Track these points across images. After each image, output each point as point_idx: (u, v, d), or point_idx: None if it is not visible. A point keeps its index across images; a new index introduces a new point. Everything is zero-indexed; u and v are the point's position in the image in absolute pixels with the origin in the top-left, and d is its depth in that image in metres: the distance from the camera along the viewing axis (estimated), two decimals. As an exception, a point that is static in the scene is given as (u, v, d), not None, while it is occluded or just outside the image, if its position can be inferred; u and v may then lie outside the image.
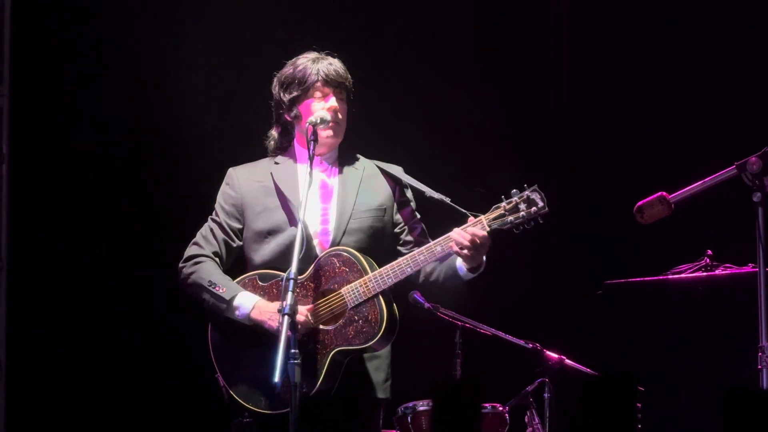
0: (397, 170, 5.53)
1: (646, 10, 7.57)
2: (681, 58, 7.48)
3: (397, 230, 5.46)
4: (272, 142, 5.56)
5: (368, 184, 5.45)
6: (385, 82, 7.43)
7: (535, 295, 7.59)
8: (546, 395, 6.16)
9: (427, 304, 5.78)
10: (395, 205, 5.46)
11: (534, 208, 5.07)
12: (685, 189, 5.01)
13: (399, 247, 5.44)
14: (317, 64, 5.44)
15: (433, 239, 5.31)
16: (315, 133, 5.28)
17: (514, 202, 5.11)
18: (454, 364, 6.16)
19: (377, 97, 7.01)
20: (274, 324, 5.15)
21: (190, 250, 5.45)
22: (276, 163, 5.49)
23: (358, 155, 5.56)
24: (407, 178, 5.49)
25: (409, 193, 5.51)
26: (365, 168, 5.50)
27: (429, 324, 6.09)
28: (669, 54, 7.50)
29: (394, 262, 5.21)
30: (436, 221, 5.40)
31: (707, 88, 7.40)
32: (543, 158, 7.74)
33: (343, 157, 5.51)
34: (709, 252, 6.04)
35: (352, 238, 5.32)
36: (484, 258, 5.21)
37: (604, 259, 7.36)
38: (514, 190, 5.11)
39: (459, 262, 5.24)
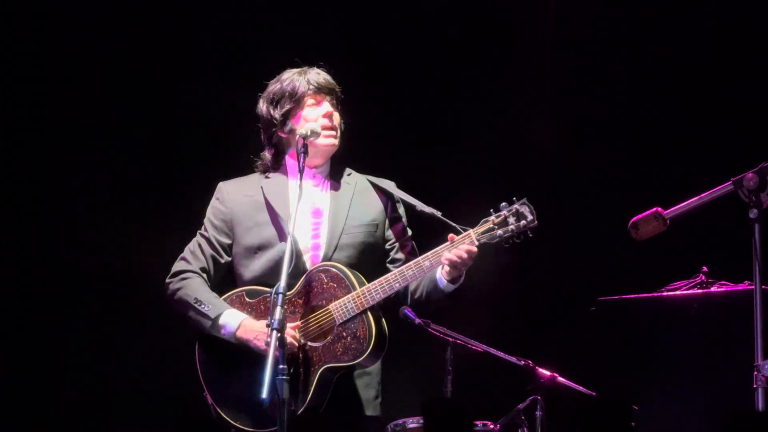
0: (389, 185, 5.51)
1: (640, 22, 7.55)
2: (678, 72, 7.46)
3: (387, 246, 5.44)
4: (263, 164, 5.52)
5: (360, 199, 5.42)
6: (373, 96, 7.40)
7: (528, 311, 7.54)
8: (538, 413, 6.07)
9: (417, 320, 5.72)
10: (387, 220, 5.44)
11: (523, 222, 5.09)
12: (680, 205, 5.00)
13: (388, 264, 5.42)
14: (305, 75, 5.43)
15: (419, 256, 5.28)
16: (305, 146, 5.26)
17: (503, 216, 5.12)
18: (445, 381, 6.09)
19: (367, 112, 6.98)
20: (260, 343, 5.11)
21: (178, 265, 5.43)
22: (267, 177, 5.45)
23: (350, 169, 5.53)
24: (399, 193, 5.46)
25: (401, 209, 5.49)
26: (357, 182, 5.48)
27: (419, 340, 6.02)
28: (666, 68, 7.49)
29: (382, 278, 5.19)
30: (425, 235, 5.40)
31: (704, 103, 7.37)
32: (536, 172, 7.69)
33: (335, 171, 5.48)
34: (705, 269, 6.01)
35: (344, 253, 5.30)
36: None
37: (598, 276, 7.32)
38: (503, 204, 5.13)
39: (438, 274, 5.23)
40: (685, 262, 6.31)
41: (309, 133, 5.30)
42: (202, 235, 5.44)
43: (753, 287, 4.75)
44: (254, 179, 5.49)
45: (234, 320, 5.21)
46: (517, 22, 7.77)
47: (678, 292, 5.96)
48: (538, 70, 7.74)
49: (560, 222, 7.48)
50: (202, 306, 5.24)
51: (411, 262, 5.20)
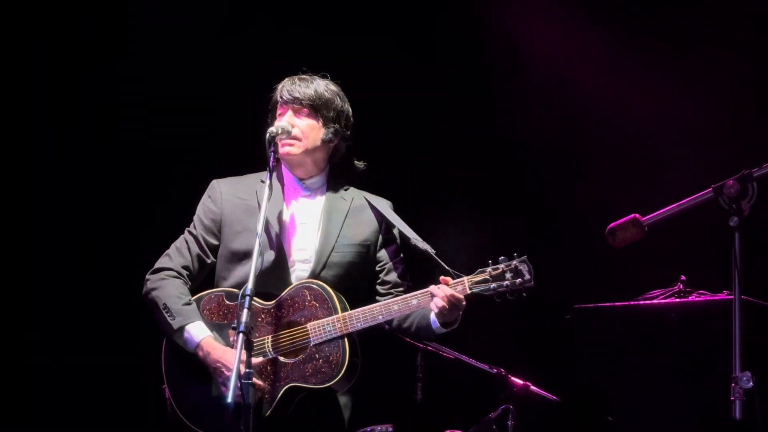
0: (385, 205, 5.48)
1: (620, 23, 7.55)
2: (660, 77, 7.43)
3: (377, 268, 5.42)
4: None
5: (354, 216, 5.41)
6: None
7: (501, 317, 7.46)
8: (510, 423, 6.08)
9: (387, 326, 5.64)
10: (380, 240, 5.43)
11: (519, 280, 5.09)
12: (659, 211, 4.90)
13: (377, 286, 5.41)
14: (286, 85, 5.41)
15: (409, 280, 5.36)
16: (274, 144, 5.22)
17: (500, 270, 5.11)
18: (416, 388, 6.07)
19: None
20: (218, 376, 5.05)
21: (160, 261, 5.38)
22: (262, 181, 5.38)
23: (347, 185, 5.50)
24: (395, 219, 5.42)
25: (395, 231, 5.47)
26: (353, 199, 5.45)
27: (390, 346, 5.95)
28: (647, 72, 7.46)
29: (366, 307, 5.17)
30: (414, 267, 5.43)
31: (684, 109, 7.33)
32: (513, 179, 7.69)
33: (332, 186, 5.45)
34: (683, 277, 5.97)
35: (332, 272, 5.27)
36: (460, 313, 5.18)
37: (574, 283, 7.27)
38: (502, 257, 5.13)
39: (433, 316, 5.21)
40: (663, 270, 6.27)
41: (279, 132, 5.28)
42: (191, 233, 5.40)
43: (732, 297, 4.63)
44: (250, 182, 5.44)
45: (196, 336, 5.16)
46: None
47: (655, 301, 5.92)
48: (522, 72, 7.74)
49: (536, 227, 7.45)
50: (168, 315, 5.19)
51: (398, 298, 5.18)
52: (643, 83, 7.45)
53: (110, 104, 7.51)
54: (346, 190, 5.46)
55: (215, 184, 5.45)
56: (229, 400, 4.55)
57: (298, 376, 5.08)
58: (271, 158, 5.13)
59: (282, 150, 5.30)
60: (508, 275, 5.09)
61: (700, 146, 7.19)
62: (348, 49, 7.53)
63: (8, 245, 7.40)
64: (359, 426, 5.50)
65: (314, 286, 5.17)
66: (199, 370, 5.14)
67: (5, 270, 7.39)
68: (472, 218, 7.55)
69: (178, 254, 5.34)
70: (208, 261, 5.36)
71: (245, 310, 4.68)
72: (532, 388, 6.10)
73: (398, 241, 5.47)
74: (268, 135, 5.21)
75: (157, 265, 5.36)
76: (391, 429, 5.85)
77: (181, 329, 5.16)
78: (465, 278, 5.11)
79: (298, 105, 5.35)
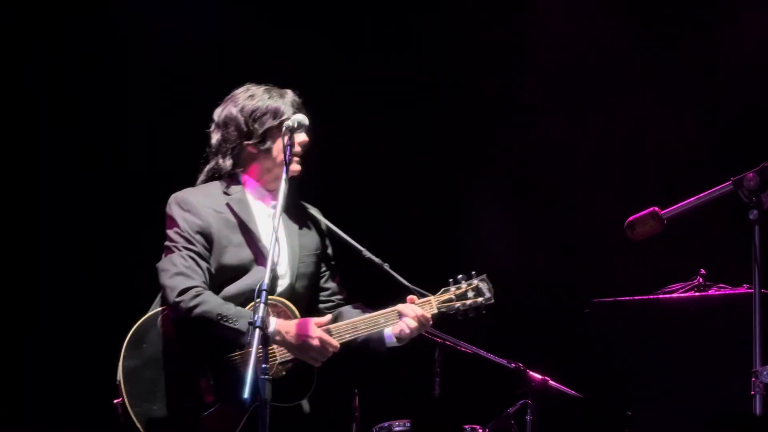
0: (319, 213, 5.46)
1: (638, 12, 7.54)
2: (677, 70, 7.43)
3: (320, 275, 5.38)
4: (215, 172, 5.33)
5: (305, 226, 5.37)
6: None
7: (519, 312, 7.46)
8: (528, 417, 6.04)
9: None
10: (321, 248, 5.39)
11: (481, 299, 5.27)
12: (678, 204, 4.89)
13: (319, 293, 5.35)
14: (284, 98, 5.31)
15: (348, 293, 5.37)
16: (292, 138, 5.11)
17: (463, 288, 5.26)
18: (433, 384, 6.02)
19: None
20: (315, 342, 5.01)
21: (178, 281, 5.10)
22: (226, 193, 5.27)
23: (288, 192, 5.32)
24: (336, 228, 5.40)
25: (328, 240, 5.43)
26: (296, 207, 5.37)
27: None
28: (664, 68, 7.42)
29: (332, 326, 5.12)
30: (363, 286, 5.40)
31: (704, 102, 7.33)
32: (533, 173, 7.66)
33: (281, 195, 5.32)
34: (703, 271, 5.93)
35: (302, 283, 5.25)
36: None
37: (592, 276, 7.27)
38: (461, 276, 5.28)
39: (388, 331, 5.22)
40: (683, 263, 6.23)
41: (296, 125, 5.14)
42: (190, 249, 5.14)
43: (752, 291, 4.64)
44: (214, 193, 5.27)
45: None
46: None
47: (674, 295, 5.89)
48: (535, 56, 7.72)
49: (553, 221, 7.41)
50: (229, 321, 4.99)
51: (365, 316, 5.19)
52: (662, 75, 7.43)
53: (110, 104, 7.47)
54: (290, 198, 5.20)
55: (184, 197, 5.24)
56: (246, 396, 4.47)
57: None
58: (288, 152, 5.02)
59: (296, 167, 5.21)
60: (470, 294, 5.25)
61: (719, 138, 7.17)
62: (348, 49, 7.51)
63: (8, 245, 7.36)
64: (370, 423, 5.49)
65: (279, 304, 5.10)
66: (166, 382, 5.06)
67: (6, 270, 7.34)
68: (492, 212, 7.53)
69: (192, 272, 5.10)
70: (213, 273, 5.17)
71: (262, 305, 4.60)
72: (551, 382, 6.04)
73: (331, 248, 5.42)
74: (284, 128, 5.10)
75: (179, 286, 5.06)
76: (408, 424, 5.83)
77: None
78: (432, 297, 5.21)
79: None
